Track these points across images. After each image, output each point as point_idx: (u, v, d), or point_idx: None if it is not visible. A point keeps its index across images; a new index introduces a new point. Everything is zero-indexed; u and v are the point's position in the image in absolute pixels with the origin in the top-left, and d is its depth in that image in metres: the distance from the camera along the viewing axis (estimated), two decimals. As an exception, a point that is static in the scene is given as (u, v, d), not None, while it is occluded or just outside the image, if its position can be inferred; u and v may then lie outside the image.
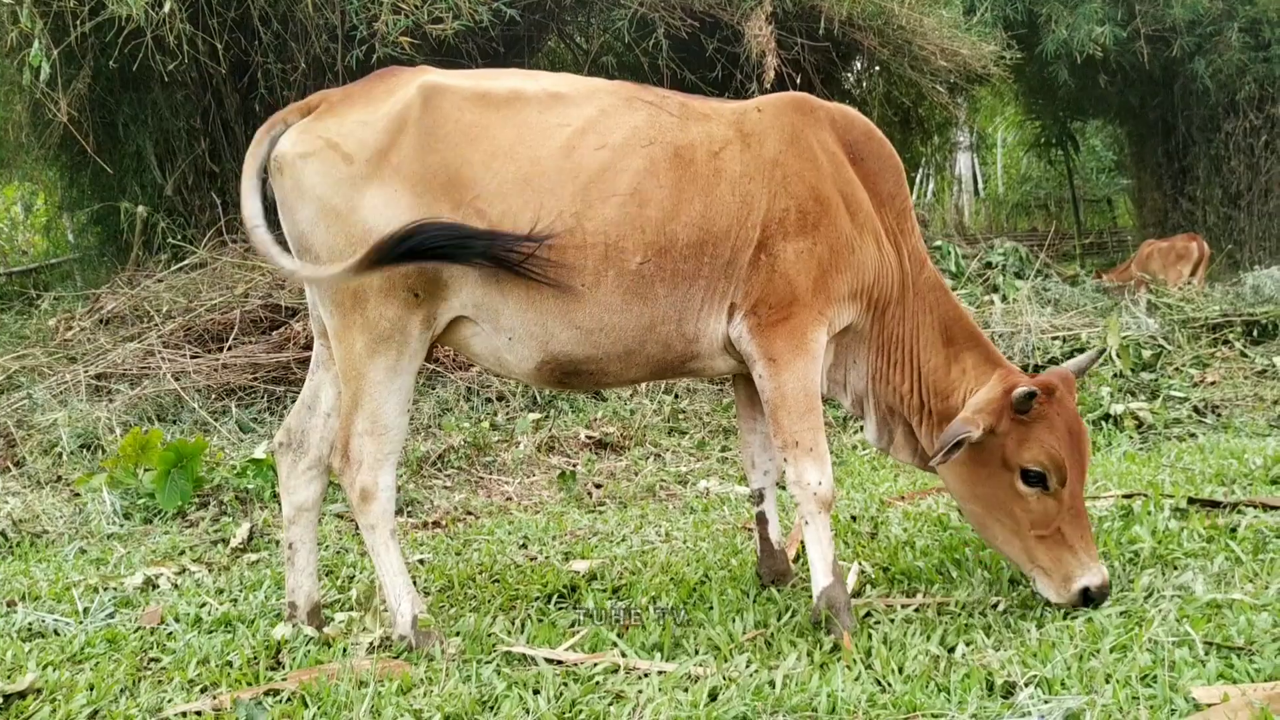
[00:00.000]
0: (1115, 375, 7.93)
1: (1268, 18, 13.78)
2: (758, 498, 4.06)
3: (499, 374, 3.89)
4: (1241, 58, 13.74)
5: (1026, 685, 2.88)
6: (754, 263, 3.51)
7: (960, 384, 3.68)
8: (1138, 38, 13.24)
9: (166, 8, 7.52)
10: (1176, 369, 8.24)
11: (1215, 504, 4.55)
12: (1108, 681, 2.85)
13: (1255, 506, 4.44)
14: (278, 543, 5.08)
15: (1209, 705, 2.66)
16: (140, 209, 9.49)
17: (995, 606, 3.55)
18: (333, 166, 3.45)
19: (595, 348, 3.53)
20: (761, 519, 4.04)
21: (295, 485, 3.76)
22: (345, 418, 3.56)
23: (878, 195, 3.75)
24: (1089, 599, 3.41)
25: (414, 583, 3.68)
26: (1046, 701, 2.77)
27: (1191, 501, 4.60)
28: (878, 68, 13.17)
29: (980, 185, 25.40)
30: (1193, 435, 6.71)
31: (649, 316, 3.50)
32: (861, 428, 7.35)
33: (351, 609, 3.94)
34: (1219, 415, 7.15)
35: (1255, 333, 9.04)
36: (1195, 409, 7.24)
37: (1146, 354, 8.37)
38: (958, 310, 3.81)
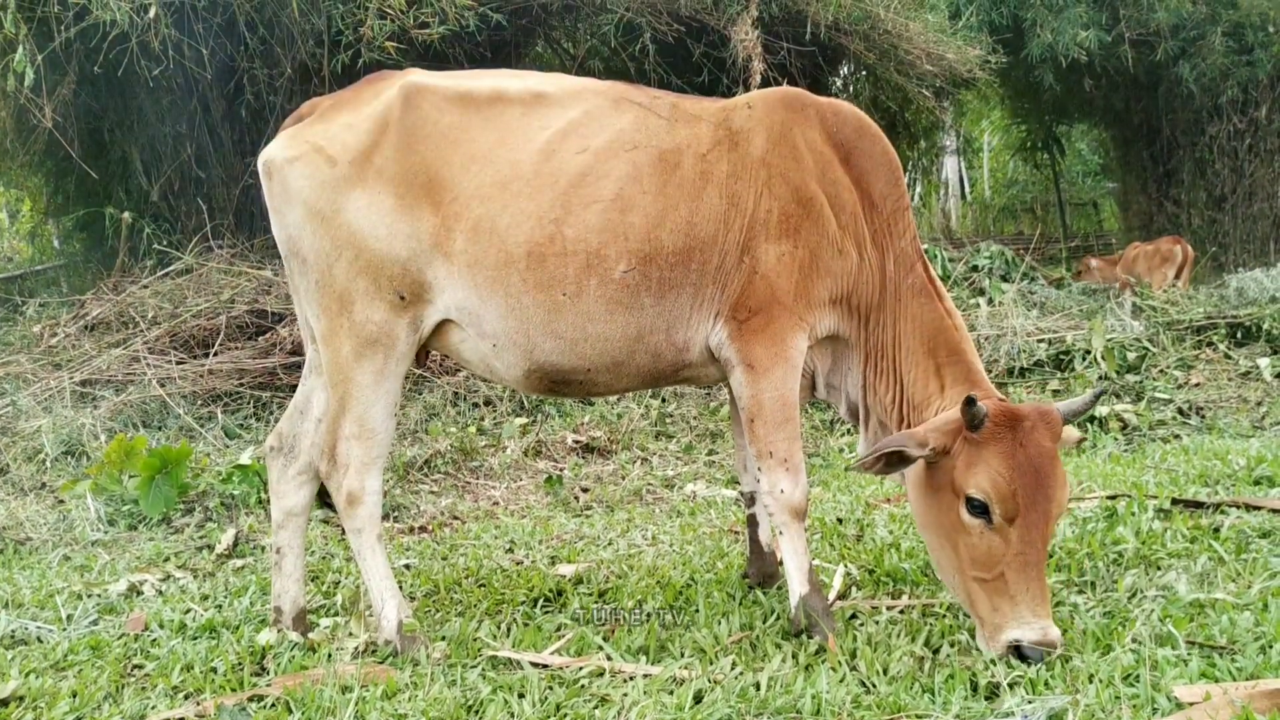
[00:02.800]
0: (1100, 377, 7.96)
1: (1250, 22, 13.84)
2: (749, 500, 4.01)
3: (492, 381, 3.87)
4: (1225, 61, 13.80)
5: (1010, 686, 2.89)
6: (738, 266, 3.44)
7: (937, 401, 3.46)
8: (1122, 42, 13.30)
9: (151, 13, 7.50)
10: (1161, 371, 8.28)
11: (1199, 504, 4.58)
12: (1091, 681, 2.86)
13: (1238, 507, 4.47)
14: (263, 548, 5.06)
15: (1191, 704, 2.67)
16: (126, 215, 9.46)
17: (980, 608, 3.55)
18: (317, 169, 3.45)
19: (581, 358, 3.47)
20: (752, 521, 4.00)
21: (285, 490, 3.75)
22: (332, 421, 3.55)
23: (868, 196, 3.59)
24: (1021, 655, 3.01)
25: (400, 587, 3.67)
26: (1030, 701, 2.77)
27: (1175, 502, 4.62)
28: (864, 72, 13.22)
29: (967, 189, 25.47)
30: (1177, 436, 6.75)
31: (636, 326, 3.44)
32: (848, 429, 7.37)
33: (337, 614, 3.94)
34: (1203, 417, 7.19)
35: (1239, 335, 9.08)
36: (1179, 410, 7.28)
37: (1131, 356, 8.41)
38: (943, 321, 3.56)
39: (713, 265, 3.44)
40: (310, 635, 3.67)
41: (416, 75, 3.63)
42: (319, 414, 3.76)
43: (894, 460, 3.20)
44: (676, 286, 3.44)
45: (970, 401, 3.08)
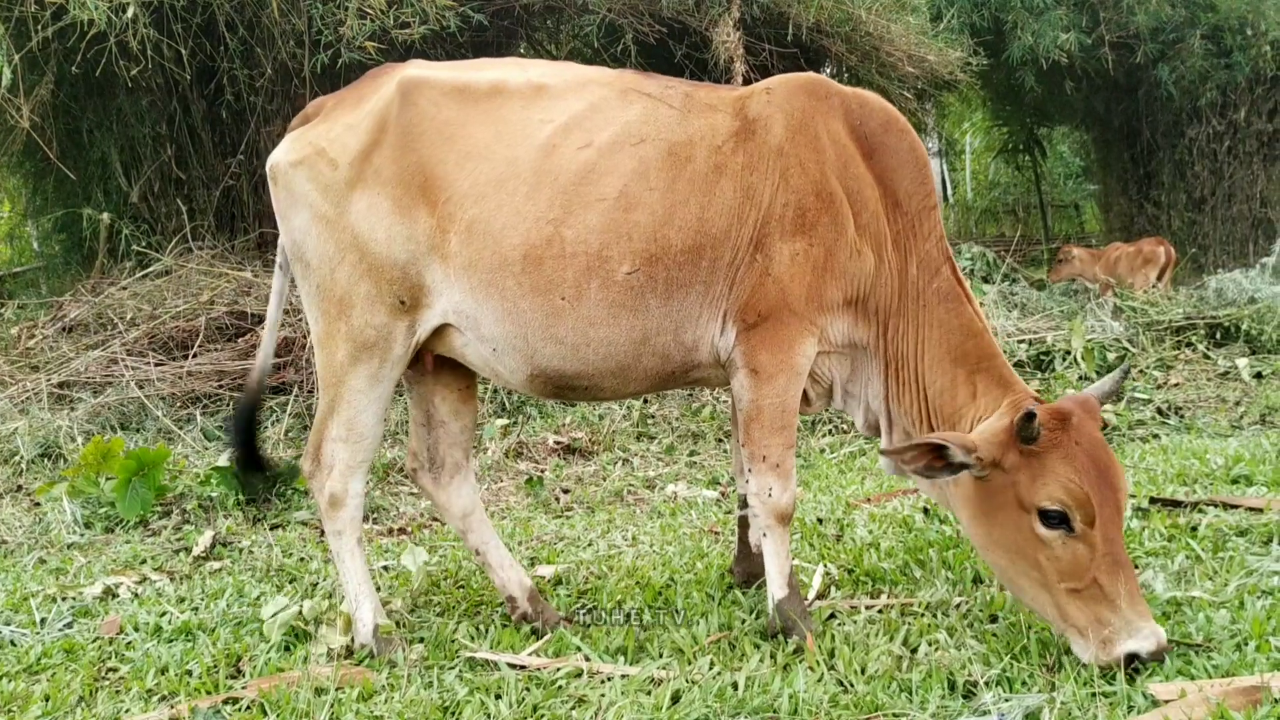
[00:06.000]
0: (1080, 378, 7.99)
1: (1229, 25, 13.94)
2: (743, 502, 3.89)
3: (497, 384, 3.84)
4: (1204, 64, 13.90)
5: (988, 684, 2.89)
6: (749, 264, 3.29)
7: (969, 409, 3.29)
8: (1102, 44, 13.37)
9: (130, 13, 7.44)
10: (1141, 371, 8.32)
11: (1177, 503, 4.59)
12: (1067, 679, 2.86)
13: (1216, 506, 4.49)
14: (240, 551, 5.03)
15: (1167, 701, 2.68)
16: (104, 216, 9.41)
17: (958, 607, 3.55)
18: (320, 172, 3.42)
19: (583, 363, 3.36)
20: (743, 522, 3.92)
21: (449, 498, 3.83)
22: (320, 421, 3.54)
23: (891, 194, 3.41)
24: (1137, 662, 2.85)
25: (377, 589, 3.65)
26: (1007, 699, 2.78)
27: (1154, 501, 4.64)
28: (846, 74, 13.22)
29: (949, 191, 25.55)
30: (1156, 436, 6.77)
31: (641, 329, 3.31)
32: (831, 429, 7.37)
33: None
34: (1182, 416, 7.23)
35: (1218, 335, 9.15)
36: (1159, 410, 7.31)
37: (1111, 356, 8.45)
38: (971, 325, 3.39)
39: (724, 262, 3.30)
40: (544, 614, 3.68)
41: (416, 68, 3.55)
42: (442, 417, 3.82)
43: (935, 464, 3.06)
44: (685, 286, 3.30)
45: (1029, 416, 2.93)
